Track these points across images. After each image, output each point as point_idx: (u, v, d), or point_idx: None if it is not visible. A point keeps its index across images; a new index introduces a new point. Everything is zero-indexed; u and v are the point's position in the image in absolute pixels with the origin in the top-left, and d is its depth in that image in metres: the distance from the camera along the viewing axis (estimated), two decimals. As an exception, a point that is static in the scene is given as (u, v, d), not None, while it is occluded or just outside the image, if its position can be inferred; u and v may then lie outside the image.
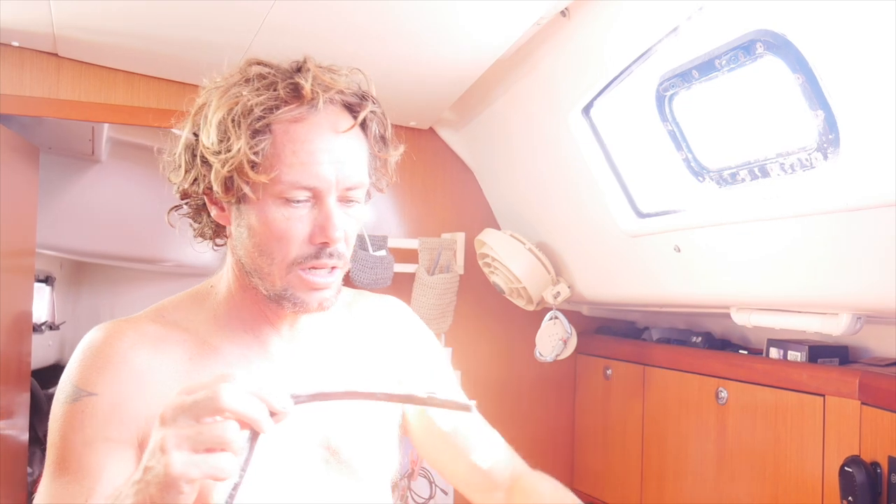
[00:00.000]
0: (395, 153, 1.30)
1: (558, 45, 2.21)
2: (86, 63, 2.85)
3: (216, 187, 1.18)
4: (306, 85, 1.16)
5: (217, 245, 1.33)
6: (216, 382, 0.91)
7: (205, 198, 1.25)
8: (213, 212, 1.25)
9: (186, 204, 1.29)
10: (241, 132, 1.14)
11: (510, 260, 2.83)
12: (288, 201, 1.17)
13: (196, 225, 1.32)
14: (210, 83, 1.23)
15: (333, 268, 1.21)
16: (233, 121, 1.15)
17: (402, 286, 3.09)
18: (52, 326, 6.02)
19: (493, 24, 2.15)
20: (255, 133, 1.15)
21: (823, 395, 2.00)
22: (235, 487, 0.93)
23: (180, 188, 1.26)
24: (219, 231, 1.30)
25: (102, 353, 1.21)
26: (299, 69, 1.20)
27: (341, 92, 1.20)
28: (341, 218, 1.19)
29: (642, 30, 1.91)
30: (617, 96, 2.19)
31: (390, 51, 2.35)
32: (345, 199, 1.20)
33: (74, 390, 1.18)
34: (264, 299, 1.25)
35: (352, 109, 1.22)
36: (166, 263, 5.51)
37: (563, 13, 2.07)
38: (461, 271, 3.11)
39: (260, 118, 1.15)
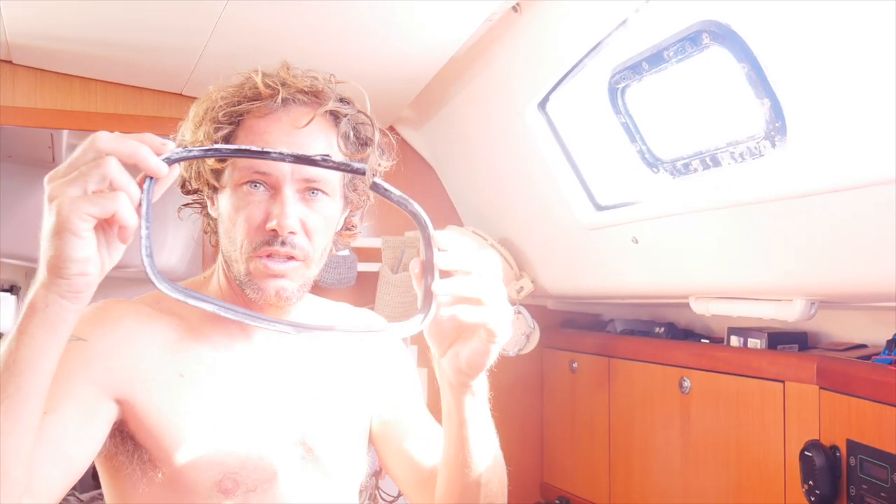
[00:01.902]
0: (375, 156, 1.30)
1: (511, 41, 2.22)
2: (41, 70, 2.83)
3: (185, 174, 1.26)
4: (258, 79, 1.21)
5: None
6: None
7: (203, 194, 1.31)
8: (209, 205, 1.30)
9: (195, 201, 1.34)
10: (205, 123, 1.23)
11: (473, 256, 2.82)
12: (245, 187, 1.20)
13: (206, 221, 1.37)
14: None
15: (290, 258, 1.21)
16: (202, 116, 1.24)
17: (365, 285, 3.09)
18: (19, 337, 5.94)
19: (446, 21, 2.15)
20: (219, 124, 1.21)
21: (783, 382, 2.02)
22: (148, 239, 0.91)
23: (177, 184, 1.31)
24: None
25: (97, 313, 1.25)
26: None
27: (303, 91, 1.21)
28: (297, 208, 1.20)
29: (592, 23, 1.92)
30: (571, 90, 2.20)
31: (346, 49, 2.35)
32: (307, 193, 1.21)
33: None
34: (241, 289, 1.26)
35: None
36: (130, 269, 5.45)
37: (514, 9, 2.07)
38: (425, 269, 3.10)
39: (221, 109, 1.21)
